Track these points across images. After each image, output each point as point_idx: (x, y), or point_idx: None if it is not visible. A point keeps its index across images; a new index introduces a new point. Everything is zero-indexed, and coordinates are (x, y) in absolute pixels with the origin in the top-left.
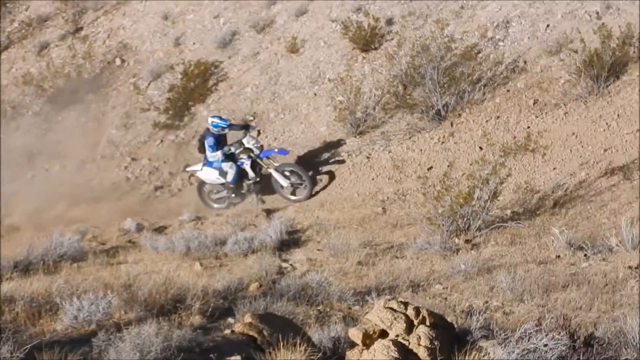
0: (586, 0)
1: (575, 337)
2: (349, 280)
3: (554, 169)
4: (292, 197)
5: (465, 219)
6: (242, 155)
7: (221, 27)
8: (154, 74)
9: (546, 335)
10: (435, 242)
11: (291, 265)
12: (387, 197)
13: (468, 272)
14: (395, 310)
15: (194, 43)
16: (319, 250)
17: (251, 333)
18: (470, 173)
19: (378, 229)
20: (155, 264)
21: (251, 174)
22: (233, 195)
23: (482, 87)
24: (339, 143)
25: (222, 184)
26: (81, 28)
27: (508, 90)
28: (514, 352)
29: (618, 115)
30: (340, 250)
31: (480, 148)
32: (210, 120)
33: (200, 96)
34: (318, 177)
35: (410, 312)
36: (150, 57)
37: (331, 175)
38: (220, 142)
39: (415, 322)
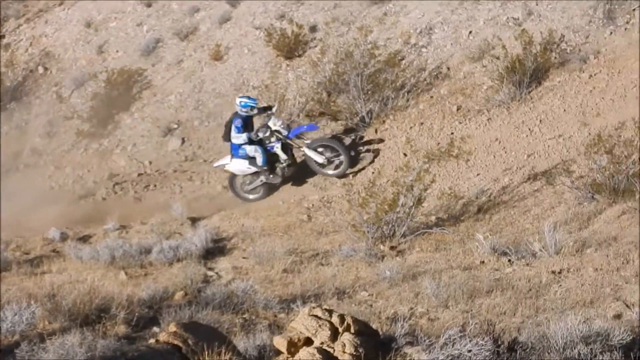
0: (508, 7)
1: (499, 342)
2: (275, 288)
3: (478, 174)
4: (332, 172)
5: (390, 226)
6: (271, 139)
7: (144, 34)
8: (77, 82)
9: (470, 340)
10: (360, 249)
11: (217, 273)
12: (312, 205)
13: (393, 278)
14: (320, 318)
15: (117, 51)
16: (244, 258)
17: (176, 342)
18: (395, 180)
19: (303, 236)
20: (80, 273)
21: (283, 156)
22: (268, 179)
23: (406, 94)
24: None
25: (255, 173)
26: (3, 36)
27: (432, 97)
28: (438, 358)
29: (540, 120)
30: (266, 258)
31: (405, 154)
32: (238, 100)
33: (123, 104)
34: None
35: (335, 319)
36: (73, 65)
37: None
38: (247, 125)
39: (340, 330)
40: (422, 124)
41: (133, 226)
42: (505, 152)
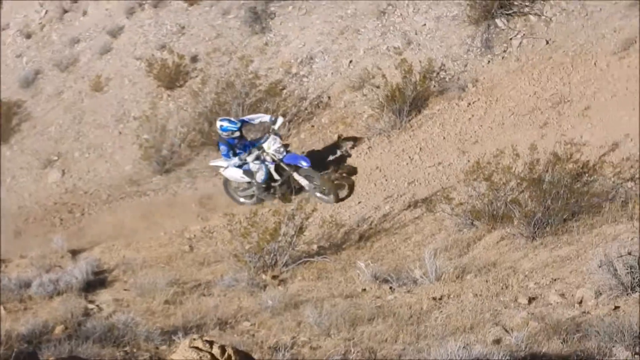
0: (388, 36)
1: None
2: (157, 320)
3: (359, 202)
4: (323, 197)
5: (272, 255)
6: (267, 158)
7: (24, 66)
8: None
9: None
10: (242, 278)
11: (97, 306)
12: (194, 235)
13: (275, 308)
14: (200, 350)
15: None
16: (125, 290)
17: None
18: (276, 209)
19: (185, 267)
20: None
21: (276, 176)
22: (260, 194)
23: (287, 123)
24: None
25: (249, 182)
26: None
27: (312, 126)
28: None
29: (420, 148)
30: (147, 290)
31: None
32: (218, 124)
33: (3, 136)
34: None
35: (216, 350)
36: None
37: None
38: (235, 145)
39: None
40: (302, 153)
41: (12, 260)
42: (386, 180)
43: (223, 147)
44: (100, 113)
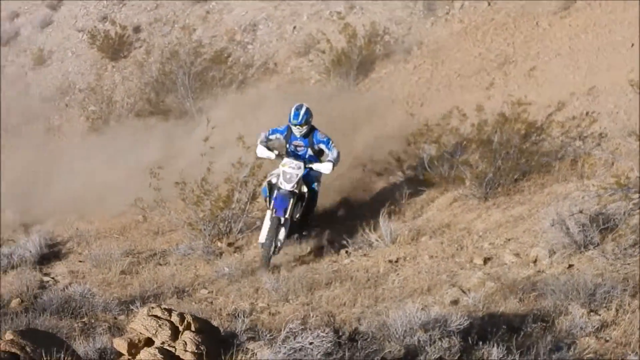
0: (330, 2)
1: (340, 333)
2: (113, 290)
3: None
4: None
5: (226, 222)
6: None
7: None
8: None
9: (311, 333)
10: (198, 246)
11: (53, 278)
12: (147, 205)
13: (232, 275)
14: (159, 318)
15: None
16: (80, 261)
17: (13, 350)
18: (228, 176)
19: (140, 236)
20: None
21: None
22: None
23: (235, 90)
24: None
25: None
26: None
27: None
28: (280, 352)
29: (368, 112)
30: (103, 261)
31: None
32: None
33: None
34: None
35: (175, 318)
36: None
37: None
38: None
39: (181, 329)
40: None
41: None
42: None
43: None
44: (44, 86)
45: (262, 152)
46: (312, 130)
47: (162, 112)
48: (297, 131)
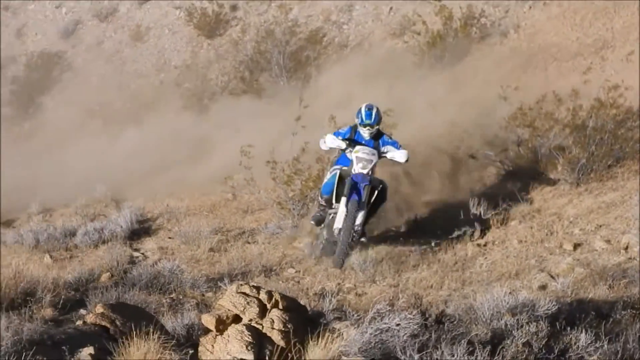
0: None
1: (427, 316)
2: (202, 267)
3: None
4: None
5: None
6: None
7: (63, 16)
8: None
9: (398, 314)
10: (286, 226)
11: (143, 254)
12: (237, 183)
13: (320, 255)
14: (247, 295)
15: (36, 34)
16: (170, 238)
17: (103, 323)
18: (320, 156)
19: (229, 215)
20: (4, 258)
21: None
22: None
23: (329, 70)
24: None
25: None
26: None
27: None
28: (367, 332)
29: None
30: (192, 238)
31: None
32: None
33: (44, 87)
34: None
35: (263, 296)
36: None
37: None
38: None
39: (268, 306)
40: None
41: (57, 209)
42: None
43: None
44: (141, 62)
45: (332, 141)
46: (379, 132)
47: (255, 90)
48: (366, 132)
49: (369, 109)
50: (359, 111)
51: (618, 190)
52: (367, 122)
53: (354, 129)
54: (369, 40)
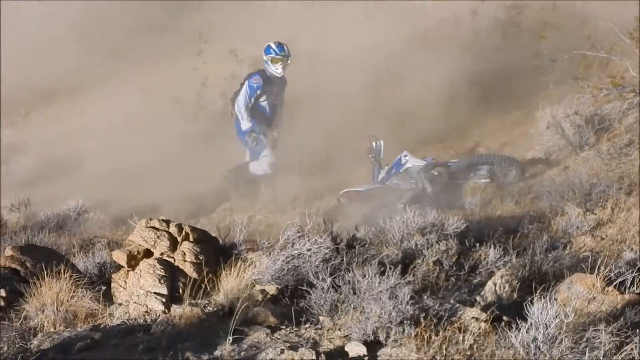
0: None
1: (338, 241)
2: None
3: None
4: None
5: None
6: None
7: None
8: None
9: (309, 240)
10: None
11: None
12: None
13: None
14: (157, 229)
15: None
16: None
17: (14, 266)
18: (222, 91)
19: None
20: None
21: None
22: None
23: None
24: None
25: None
26: None
27: None
28: (279, 259)
29: None
30: None
31: None
32: None
33: None
34: None
35: (173, 229)
36: None
37: None
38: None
39: (179, 239)
40: None
41: None
42: None
43: None
44: None
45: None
46: None
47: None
48: (279, 67)
49: (279, 42)
50: (269, 47)
51: (521, 108)
52: (283, 53)
53: (261, 74)
54: None
